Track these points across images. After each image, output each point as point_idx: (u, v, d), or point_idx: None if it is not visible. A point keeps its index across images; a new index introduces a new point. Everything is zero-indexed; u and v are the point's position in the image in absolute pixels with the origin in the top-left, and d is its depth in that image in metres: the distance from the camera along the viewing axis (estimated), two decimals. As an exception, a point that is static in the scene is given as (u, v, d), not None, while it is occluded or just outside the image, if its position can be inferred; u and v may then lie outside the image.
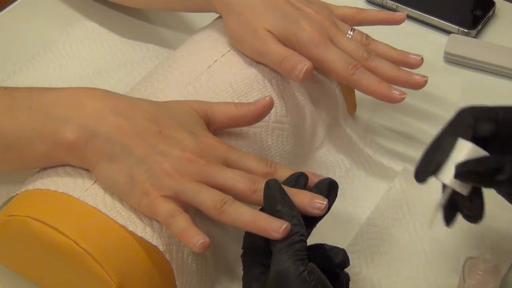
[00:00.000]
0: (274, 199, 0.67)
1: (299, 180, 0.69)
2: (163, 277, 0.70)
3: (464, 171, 0.67)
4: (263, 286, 0.65)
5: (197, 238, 0.66)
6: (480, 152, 0.67)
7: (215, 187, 0.68)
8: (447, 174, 0.68)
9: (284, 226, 0.65)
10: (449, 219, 0.71)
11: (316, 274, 0.63)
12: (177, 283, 0.70)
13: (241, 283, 0.68)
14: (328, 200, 0.67)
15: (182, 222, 0.67)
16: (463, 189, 0.68)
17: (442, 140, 0.70)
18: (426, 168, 0.69)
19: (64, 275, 0.72)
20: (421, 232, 0.81)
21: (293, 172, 0.70)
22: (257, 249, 0.67)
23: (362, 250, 0.79)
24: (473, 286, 0.71)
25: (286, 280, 0.63)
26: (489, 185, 0.69)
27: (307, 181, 0.70)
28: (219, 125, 0.75)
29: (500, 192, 0.71)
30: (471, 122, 0.69)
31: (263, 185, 0.68)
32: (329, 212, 0.68)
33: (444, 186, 0.69)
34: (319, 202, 0.67)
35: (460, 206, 0.69)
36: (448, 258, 0.79)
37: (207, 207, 0.67)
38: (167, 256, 0.69)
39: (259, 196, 0.68)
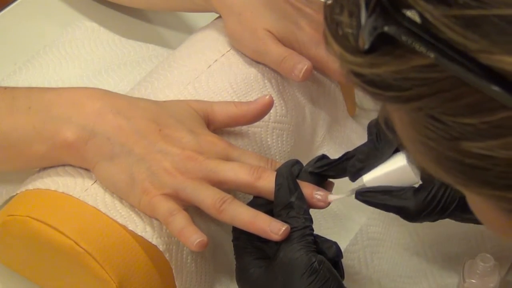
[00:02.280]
0: (286, 189, 0.67)
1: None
2: (162, 277, 0.70)
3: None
4: (267, 271, 0.65)
5: (195, 237, 0.66)
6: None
7: (217, 182, 0.69)
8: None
9: (283, 228, 0.65)
10: None
11: (325, 264, 0.64)
12: (176, 282, 0.70)
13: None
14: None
15: (181, 220, 0.67)
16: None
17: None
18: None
19: (64, 275, 0.72)
20: (421, 232, 0.81)
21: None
22: (251, 234, 0.67)
23: (362, 250, 0.79)
24: (473, 286, 0.71)
25: (297, 268, 0.64)
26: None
27: (301, 169, 0.70)
28: (219, 124, 0.75)
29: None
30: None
31: (266, 173, 0.68)
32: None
33: None
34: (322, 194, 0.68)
35: None
36: (448, 258, 0.79)
37: (207, 205, 0.67)
38: (166, 255, 0.69)
39: (264, 184, 0.68)
